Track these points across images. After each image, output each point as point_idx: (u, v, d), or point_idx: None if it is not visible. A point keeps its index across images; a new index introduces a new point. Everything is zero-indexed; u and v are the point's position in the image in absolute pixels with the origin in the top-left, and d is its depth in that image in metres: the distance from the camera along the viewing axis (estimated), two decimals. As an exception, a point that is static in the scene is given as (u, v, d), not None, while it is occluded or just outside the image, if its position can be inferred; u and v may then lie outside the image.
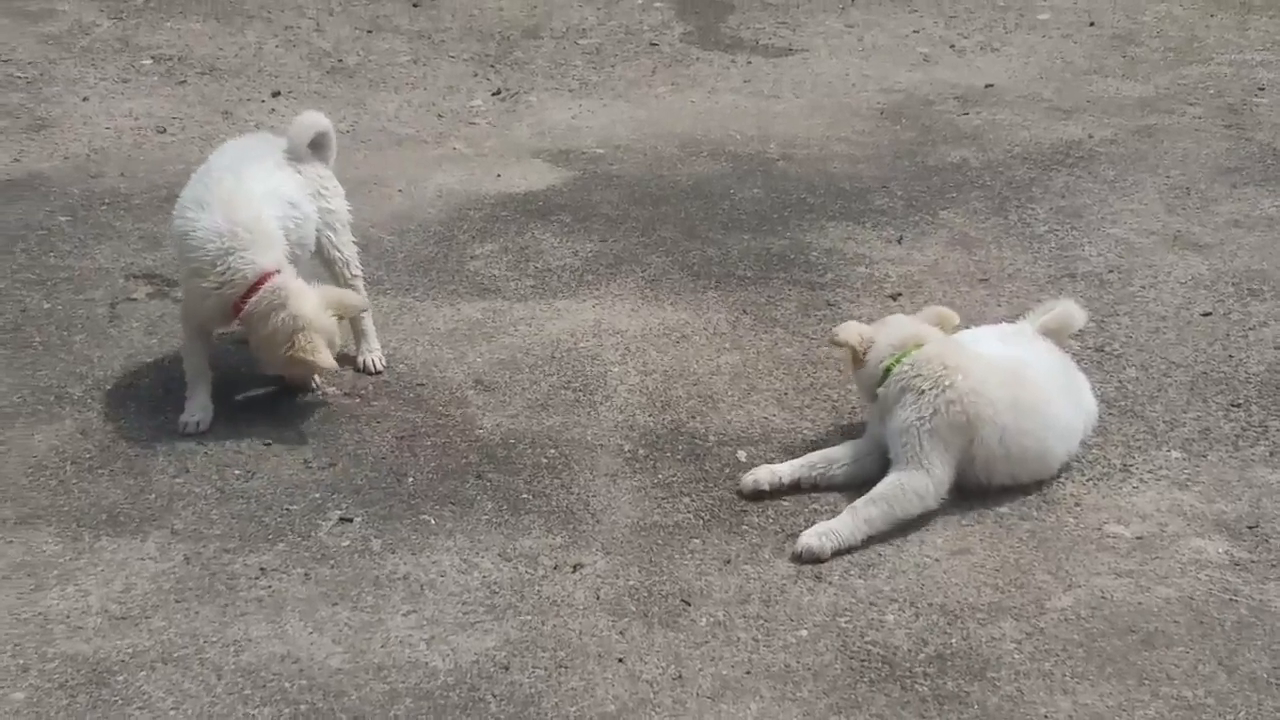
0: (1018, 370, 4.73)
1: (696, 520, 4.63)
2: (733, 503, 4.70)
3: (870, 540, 4.49)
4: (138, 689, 3.96)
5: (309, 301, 4.95)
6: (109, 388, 5.31)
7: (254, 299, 4.92)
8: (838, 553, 4.45)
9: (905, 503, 4.55)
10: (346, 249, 5.39)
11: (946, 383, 4.61)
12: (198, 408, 5.09)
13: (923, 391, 4.63)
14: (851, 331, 4.88)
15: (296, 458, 4.94)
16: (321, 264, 5.38)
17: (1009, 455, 4.64)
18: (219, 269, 4.90)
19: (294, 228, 5.11)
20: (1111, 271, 6.02)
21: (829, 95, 8.12)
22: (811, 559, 4.42)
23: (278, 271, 4.95)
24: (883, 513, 4.52)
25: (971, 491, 4.66)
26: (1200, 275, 5.98)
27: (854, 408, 5.15)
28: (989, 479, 4.67)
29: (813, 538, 4.46)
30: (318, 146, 5.31)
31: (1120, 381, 5.25)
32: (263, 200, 5.02)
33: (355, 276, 5.42)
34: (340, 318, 5.11)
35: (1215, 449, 4.91)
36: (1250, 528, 4.53)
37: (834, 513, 4.58)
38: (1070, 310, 5.03)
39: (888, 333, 4.85)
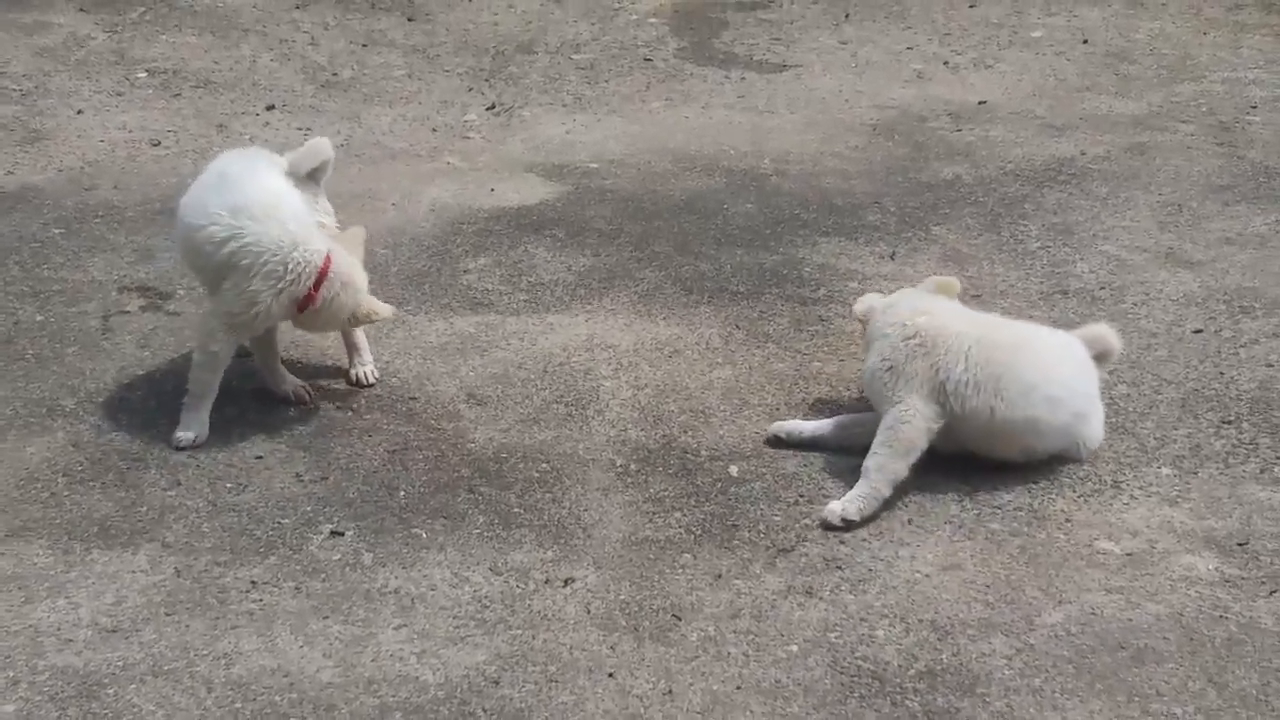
0: (995, 318, 5.07)
1: (687, 535, 4.64)
2: (724, 518, 4.70)
3: (896, 487, 4.70)
4: (128, 702, 3.95)
5: (357, 270, 5.11)
6: (101, 400, 5.31)
7: (325, 286, 4.98)
8: (865, 516, 4.64)
9: (895, 436, 4.73)
10: None
11: (907, 321, 4.87)
12: (196, 424, 5.08)
13: (886, 335, 4.89)
14: (861, 304, 5.19)
15: (288, 471, 4.94)
16: None
17: (978, 383, 4.73)
18: (291, 265, 4.92)
19: None
20: (1103, 288, 6.04)
21: (823, 111, 8.14)
22: (837, 523, 4.62)
23: (329, 251, 5.02)
24: (885, 457, 4.71)
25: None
26: (1192, 292, 6.00)
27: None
28: (964, 413, 4.74)
29: (835, 504, 4.67)
30: (317, 173, 5.33)
31: (1111, 398, 5.25)
32: (290, 195, 5.10)
33: None
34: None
35: (1206, 466, 4.92)
36: (1240, 544, 4.54)
37: (824, 529, 4.62)
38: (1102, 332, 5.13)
39: (882, 303, 5.12)
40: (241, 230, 4.92)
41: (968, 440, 4.82)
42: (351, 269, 5.07)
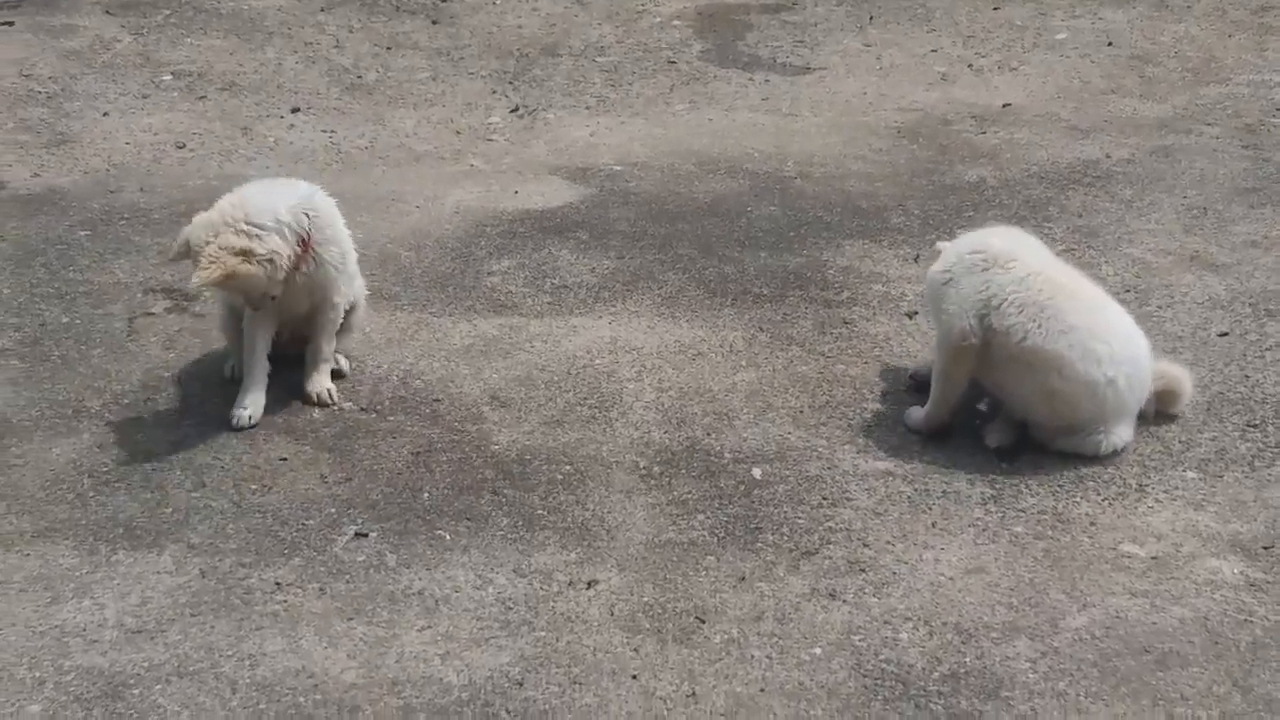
0: (1078, 274, 5.13)
1: (711, 537, 4.64)
2: (747, 520, 4.70)
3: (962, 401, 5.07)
4: (153, 702, 3.97)
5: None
6: (126, 402, 5.33)
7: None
8: (934, 428, 5.04)
9: (938, 350, 5.00)
10: None
11: (981, 240, 5.08)
12: (251, 401, 5.15)
13: (957, 248, 5.12)
14: None
15: (313, 473, 4.96)
16: None
17: (1023, 304, 4.84)
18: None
19: None
20: (1128, 291, 6.02)
21: (846, 114, 8.13)
22: (917, 431, 5.06)
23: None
24: (937, 370, 5.01)
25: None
26: (1217, 295, 5.98)
27: (868, 424, 5.15)
28: (1000, 329, 4.85)
29: (916, 409, 5.11)
30: None
31: (1136, 401, 5.24)
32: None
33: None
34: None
35: (1231, 469, 4.90)
36: (1266, 548, 4.52)
37: (848, 532, 4.62)
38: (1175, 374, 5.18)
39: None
40: None
41: (998, 369, 4.91)
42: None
